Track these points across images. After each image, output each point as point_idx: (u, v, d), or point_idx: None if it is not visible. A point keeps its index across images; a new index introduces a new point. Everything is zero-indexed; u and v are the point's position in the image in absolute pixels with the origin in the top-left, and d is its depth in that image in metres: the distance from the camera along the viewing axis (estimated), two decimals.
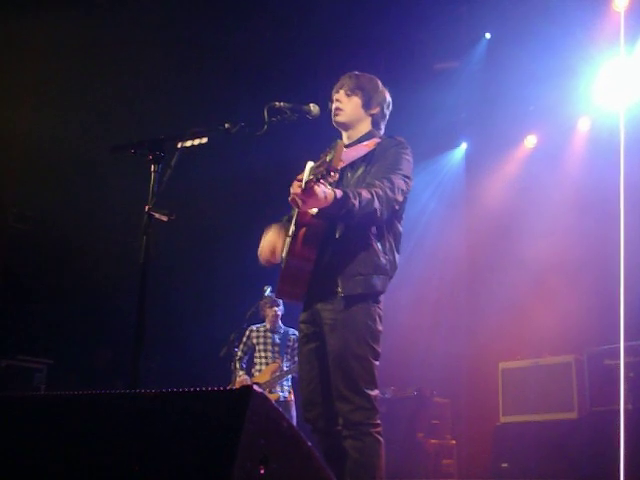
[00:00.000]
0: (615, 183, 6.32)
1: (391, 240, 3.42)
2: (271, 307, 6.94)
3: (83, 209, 7.60)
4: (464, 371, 8.09)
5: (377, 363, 3.30)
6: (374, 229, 3.35)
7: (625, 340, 5.93)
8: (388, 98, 3.68)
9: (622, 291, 5.90)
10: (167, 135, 3.21)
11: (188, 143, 3.17)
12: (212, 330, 7.32)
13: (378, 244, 3.36)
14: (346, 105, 3.55)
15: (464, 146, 9.21)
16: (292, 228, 3.44)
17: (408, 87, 7.69)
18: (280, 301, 7.00)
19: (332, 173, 2.89)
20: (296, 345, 6.95)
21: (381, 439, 3.25)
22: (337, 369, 3.27)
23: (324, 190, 3.00)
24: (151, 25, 7.03)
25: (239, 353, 6.88)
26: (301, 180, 3.09)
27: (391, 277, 3.41)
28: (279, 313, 6.99)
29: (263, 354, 6.91)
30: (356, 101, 3.56)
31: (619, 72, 7.05)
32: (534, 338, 7.28)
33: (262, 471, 1.83)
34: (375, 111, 3.60)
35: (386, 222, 3.37)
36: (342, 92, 3.57)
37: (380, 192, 3.21)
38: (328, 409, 3.34)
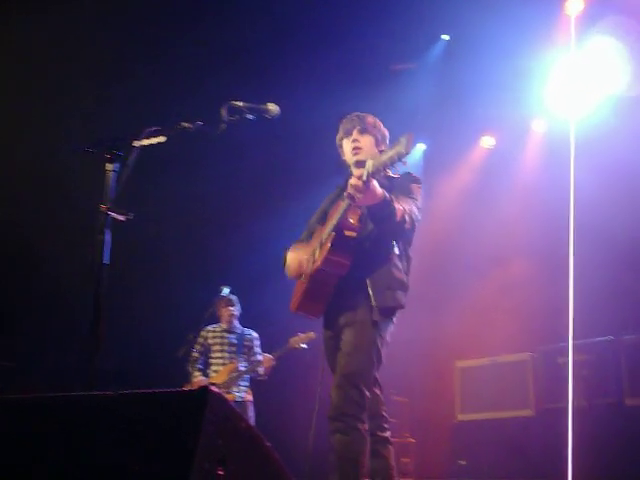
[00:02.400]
0: (566, 184, 6.44)
1: (405, 263, 3.66)
2: (226, 307, 6.91)
3: (41, 209, 7.48)
4: (422, 370, 8.15)
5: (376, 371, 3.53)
6: (396, 249, 3.59)
7: (577, 338, 6.04)
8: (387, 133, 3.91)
9: (571, 290, 6.01)
10: (124, 134, 3.17)
11: (145, 142, 3.14)
12: (170, 330, 7.27)
13: (399, 263, 3.60)
14: (363, 143, 3.74)
15: (422, 147, 9.28)
16: (328, 234, 3.57)
17: (365, 88, 7.73)
18: (236, 301, 6.97)
19: (403, 161, 3.06)
20: (253, 345, 6.95)
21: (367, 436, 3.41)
22: (342, 365, 3.48)
23: (378, 186, 3.23)
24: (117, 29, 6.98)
25: (195, 354, 6.84)
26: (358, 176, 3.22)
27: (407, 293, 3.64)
28: (235, 313, 6.96)
29: (219, 354, 6.87)
30: (370, 139, 3.76)
31: (570, 75, 7.18)
32: (491, 337, 7.37)
33: (220, 472, 1.83)
34: (383, 147, 3.78)
35: (402, 247, 3.64)
36: (356, 132, 3.75)
37: (407, 208, 3.47)
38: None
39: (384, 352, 3.56)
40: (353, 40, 7.72)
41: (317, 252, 3.65)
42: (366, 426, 3.40)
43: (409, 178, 3.75)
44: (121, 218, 3.02)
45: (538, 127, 8.15)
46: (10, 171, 7.04)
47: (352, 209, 3.48)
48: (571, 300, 5.92)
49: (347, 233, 3.49)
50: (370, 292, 3.50)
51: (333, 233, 3.52)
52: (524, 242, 7.53)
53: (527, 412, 6.48)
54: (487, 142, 8.59)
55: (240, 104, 3.30)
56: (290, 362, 7.12)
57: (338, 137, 3.88)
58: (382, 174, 3.44)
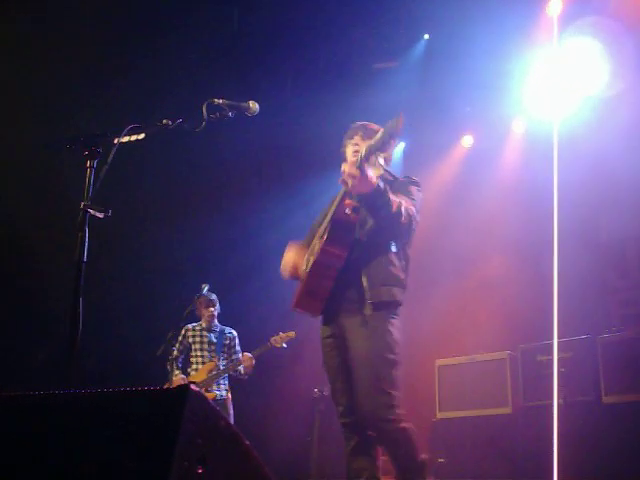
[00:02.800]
0: (549, 182, 6.48)
1: (404, 262, 3.75)
2: (207, 307, 6.88)
3: (18, 205, 7.41)
4: (401, 368, 8.16)
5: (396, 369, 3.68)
6: (393, 247, 3.67)
7: (557, 337, 6.08)
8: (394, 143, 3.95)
9: (555, 290, 6.05)
10: (104, 130, 3.16)
11: (125, 139, 3.12)
12: (149, 328, 7.24)
13: (397, 260, 3.69)
14: (363, 148, 3.77)
15: (402, 145, 9.29)
16: (325, 228, 3.64)
17: (347, 86, 7.75)
18: (216, 300, 6.95)
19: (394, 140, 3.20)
20: (232, 343, 6.94)
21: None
22: (364, 372, 3.57)
23: (371, 174, 3.31)
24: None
25: (175, 352, 6.80)
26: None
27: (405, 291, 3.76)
28: (215, 313, 6.94)
29: (199, 353, 6.85)
30: None
31: (552, 74, 7.23)
32: (470, 335, 7.41)
33: (200, 470, 1.82)
34: (386, 154, 3.85)
35: (400, 246, 3.72)
36: (358, 137, 3.81)
37: (403, 202, 3.53)
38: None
39: (397, 350, 3.71)
40: (335, 39, 7.73)
41: (317, 247, 3.70)
42: (402, 418, 3.59)
43: (409, 181, 3.83)
44: (99, 215, 3.01)
45: (518, 127, 8.20)
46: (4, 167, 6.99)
47: (347, 200, 3.53)
48: (555, 298, 5.96)
49: (344, 220, 3.54)
50: (365, 287, 3.57)
51: (329, 225, 3.58)
52: (504, 241, 7.57)
53: (505, 410, 6.51)
54: (467, 141, 8.63)
55: (220, 102, 3.29)
56: (269, 361, 7.12)
57: (342, 145, 3.94)
58: (383, 174, 3.54)
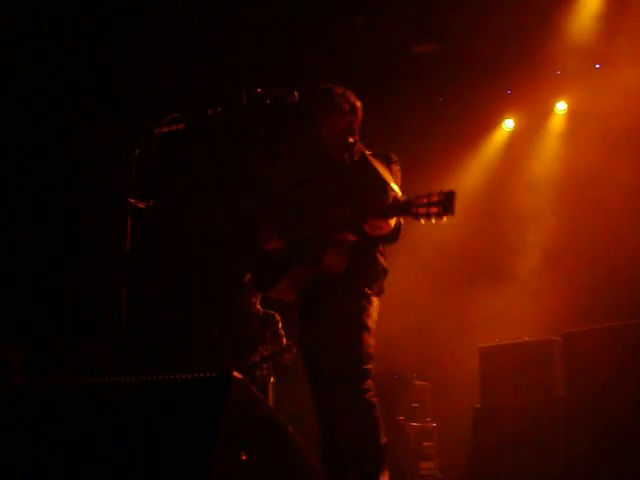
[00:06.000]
0: (594, 166, 6.38)
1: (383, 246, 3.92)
2: (252, 292, 6.92)
3: (65, 194, 7.50)
4: (444, 354, 8.13)
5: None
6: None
7: (604, 321, 5.99)
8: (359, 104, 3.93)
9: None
10: (145, 121, 3.19)
11: (165, 129, 3.15)
12: (195, 317, 7.30)
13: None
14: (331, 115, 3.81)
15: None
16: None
17: (383, 69, 7.68)
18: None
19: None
20: (275, 328, 6.96)
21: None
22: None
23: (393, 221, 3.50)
24: None
25: (220, 337, 6.87)
26: None
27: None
28: (259, 298, 6.97)
29: (244, 338, 6.89)
30: (338, 109, 3.79)
31: (595, 50, 7.14)
32: (514, 320, 7.34)
33: (244, 457, 1.84)
34: (352, 118, 3.84)
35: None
36: (325, 104, 3.81)
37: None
38: None
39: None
40: (373, 23, 7.63)
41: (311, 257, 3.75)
42: None
43: (389, 159, 3.81)
44: (141, 205, 3.04)
45: (560, 109, 8.09)
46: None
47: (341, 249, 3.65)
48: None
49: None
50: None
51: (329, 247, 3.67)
52: (551, 223, 7.52)
53: (549, 396, 6.43)
54: (508, 125, 8.54)
55: (259, 90, 3.30)
56: None
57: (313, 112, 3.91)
58: (359, 154, 3.72)
